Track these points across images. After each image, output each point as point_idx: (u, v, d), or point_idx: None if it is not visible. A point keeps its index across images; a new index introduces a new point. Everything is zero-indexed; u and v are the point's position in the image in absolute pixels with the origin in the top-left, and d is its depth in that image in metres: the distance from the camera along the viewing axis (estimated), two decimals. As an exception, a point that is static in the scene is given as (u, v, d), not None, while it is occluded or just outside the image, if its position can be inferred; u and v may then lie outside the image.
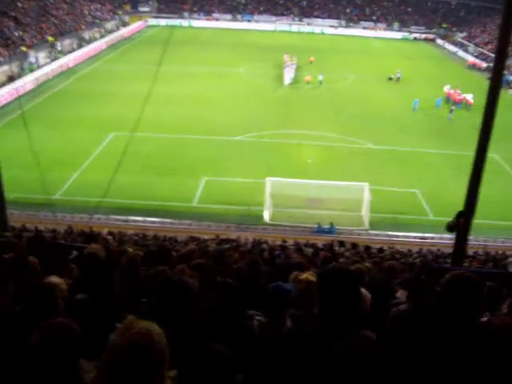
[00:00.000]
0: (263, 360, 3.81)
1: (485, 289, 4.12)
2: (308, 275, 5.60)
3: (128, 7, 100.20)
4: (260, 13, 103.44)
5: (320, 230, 28.04)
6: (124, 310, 5.05)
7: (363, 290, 5.31)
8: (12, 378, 3.50)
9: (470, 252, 18.16)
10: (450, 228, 10.94)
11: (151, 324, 2.95)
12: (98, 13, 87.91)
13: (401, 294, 6.51)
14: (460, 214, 10.70)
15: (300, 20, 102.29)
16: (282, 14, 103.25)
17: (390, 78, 63.36)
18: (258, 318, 4.93)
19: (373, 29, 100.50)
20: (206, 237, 23.09)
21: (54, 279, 5.40)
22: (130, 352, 2.76)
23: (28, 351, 3.37)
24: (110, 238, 19.51)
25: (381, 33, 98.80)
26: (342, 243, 21.99)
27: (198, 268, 7.06)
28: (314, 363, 3.45)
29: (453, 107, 49.45)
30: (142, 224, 27.78)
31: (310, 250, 18.83)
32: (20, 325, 4.18)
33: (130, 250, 12.04)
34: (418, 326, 3.88)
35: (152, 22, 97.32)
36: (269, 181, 29.73)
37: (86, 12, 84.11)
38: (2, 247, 9.00)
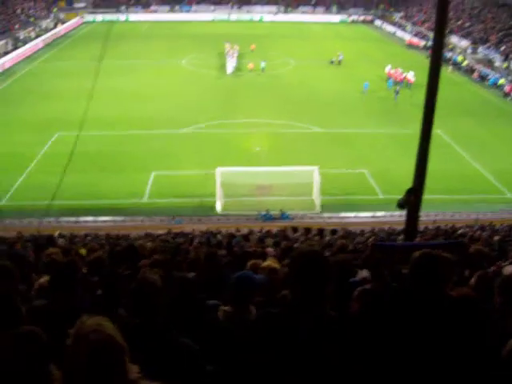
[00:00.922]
0: (232, 349, 3.84)
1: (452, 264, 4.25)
2: (270, 263, 5.64)
3: (63, 3, 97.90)
4: (198, 2, 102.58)
5: (267, 218, 28.13)
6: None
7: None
8: None
9: (421, 227, 18.53)
10: (401, 205, 11.12)
11: (101, 318, 2.93)
12: (32, 11, 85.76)
13: (360, 274, 6.61)
14: (409, 191, 10.88)
15: (239, 8, 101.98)
16: (220, 3, 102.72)
17: (332, 62, 63.92)
18: (222, 308, 4.94)
19: (312, 13, 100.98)
20: (160, 232, 22.96)
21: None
22: (88, 351, 2.75)
23: None
24: (61, 240, 19.17)
25: (320, 17, 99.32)
26: (295, 229, 22.15)
27: (156, 264, 7.02)
28: (283, 346, 3.49)
29: (397, 88, 50.11)
30: (93, 224, 27.42)
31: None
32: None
33: (83, 250, 11.90)
34: (386, 304, 3.97)
35: (88, 17, 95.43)
36: (218, 171, 29.67)
37: (19, 11, 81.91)
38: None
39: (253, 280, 4.94)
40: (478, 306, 4.37)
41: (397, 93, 49.19)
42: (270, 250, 12.65)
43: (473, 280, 6.14)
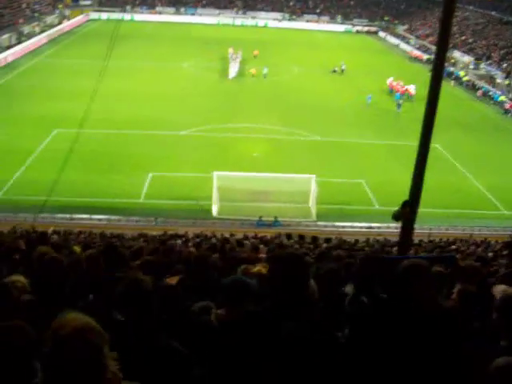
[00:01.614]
0: (220, 351, 3.85)
1: (431, 273, 4.32)
2: (260, 268, 5.62)
3: (69, 1, 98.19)
4: (203, 6, 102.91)
5: (261, 224, 28.13)
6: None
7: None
8: None
9: (416, 240, 18.52)
10: (396, 217, 11.09)
11: (76, 313, 2.92)
12: (37, 6, 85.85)
13: (348, 288, 6.59)
14: (405, 204, 10.85)
15: (244, 13, 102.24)
16: (226, 8, 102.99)
17: (334, 71, 64.05)
18: (215, 311, 4.92)
19: (316, 22, 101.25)
20: (154, 233, 22.91)
21: (14, 278, 5.30)
22: (64, 347, 2.73)
23: None
24: (55, 237, 19.12)
25: (324, 26, 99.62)
26: (289, 236, 22.12)
27: (147, 265, 7.01)
28: (265, 345, 3.54)
29: (400, 101, 50.13)
30: (88, 222, 27.35)
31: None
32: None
33: (77, 248, 11.86)
34: (372, 315, 4.02)
35: (93, 15, 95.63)
36: (215, 175, 29.66)
37: (25, 5, 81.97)
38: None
39: (246, 284, 4.94)
40: (457, 318, 4.44)
41: (399, 105, 49.26)
42: (262, 255, 12.64)
43: (455, 294, 6.17)
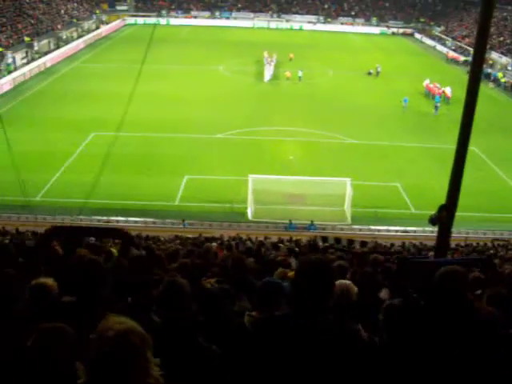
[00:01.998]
0: (251, 352, 3.87)
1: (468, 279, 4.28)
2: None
3: (105, 6, 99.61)
4: (238, 10, 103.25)
5: (291, 227, 28.12)
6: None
7: (348, 283, 5.34)
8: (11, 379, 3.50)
9: (452, 244, 18.30)
10: (433, 221, 10.97)
11: (121, 317, 2.94)
12: (75, 12, 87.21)
13: (384, 294, 6.54)
14: (442, 207, 10.73)
15: (278, 16, 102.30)
16: (261, 11, 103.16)
17: (370, 73, 63.64)
18: (248, 313, 4.93)
19: (351, 24, 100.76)
20: (189, 235, 23.04)
21: (43, 280, 5.38)
22: (107, 350, 2.75)
23: (26, 354, 3.37)
24: (92, 239, 19.34)
25: (359, 28, 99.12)
26: (325, 238, 22.06)
27: (184, 268, 7.05)
28: (282, 350, 3.55)
29: (439, 104, 49.46)
30: (124, 224, 27.60)
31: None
32: (17, 326, 4.17)
33: (115, 250, 11.99)
34: (414, 320, 4.00)
35: (130, 20, 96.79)
36: (251, 178, 29.73)
37: (63, 11, 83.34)
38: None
39: (280, 286, 4.95)
40: (495, 324, 4.37)
41: (437, 107, 48.64)
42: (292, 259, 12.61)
43: (488, 298, 6.08)
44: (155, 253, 8.75)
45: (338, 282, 4.41)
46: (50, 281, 5.35)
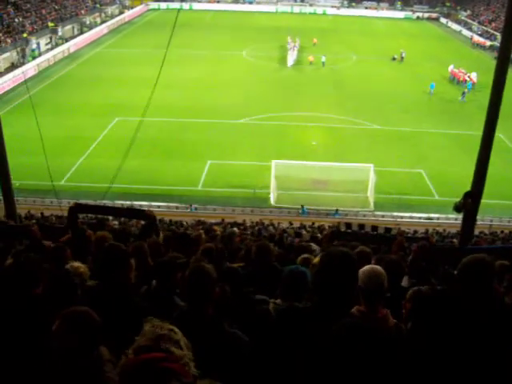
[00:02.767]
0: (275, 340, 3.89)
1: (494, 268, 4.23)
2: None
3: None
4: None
5: (304, 213, 28.12)
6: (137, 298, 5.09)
7: (378, 268, 5.29)
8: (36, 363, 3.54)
9: (476, 232, 18.15)
10: (458, 209, 10.90)
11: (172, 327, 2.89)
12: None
13: (404, 280, 6.49)
14: (467, 195, 10.64)
15: (302, 1, 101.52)
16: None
17: (394, 58, 62.99)
18: (273, 301, 4.94)
19: (375, 8, 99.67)
20: (212, 220, 23.14)
21: (76, 264, 5.44)
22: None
23: (51, 338, 3.41)
24: (115, 223, 19.51)
25: (383, 12, 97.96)
26: (348, 225, 21.95)
27: (207, 252, 7.07)
28: (311, 341, 3.53)
29: (466, 90, 48.57)
30: (147, 209, 27.76)
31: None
32: (41, 310, 4.22)
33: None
34: (443, 309, 3.97)
35: (153, 5, 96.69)
36: (274, 163, 29.70)
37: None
38: (17, 233, 9.05)
39: (305, 275, 4.93)
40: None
41: (464, 94, 47.82)
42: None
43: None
44: (180, 237, 8.78)
45: (367, 268, 4.36)
46: (82, 267, 5.42)
